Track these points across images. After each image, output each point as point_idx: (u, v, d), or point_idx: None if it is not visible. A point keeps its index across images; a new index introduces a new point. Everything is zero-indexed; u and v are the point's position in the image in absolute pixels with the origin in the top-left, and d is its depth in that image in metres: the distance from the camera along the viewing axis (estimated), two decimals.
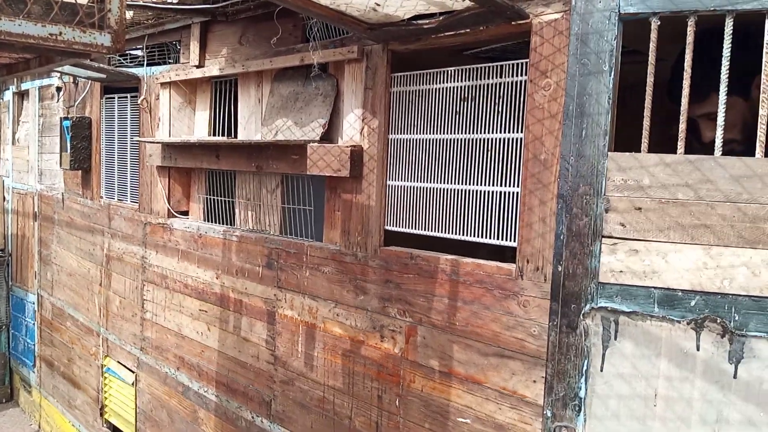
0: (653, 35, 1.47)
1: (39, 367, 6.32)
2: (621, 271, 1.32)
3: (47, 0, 1.34)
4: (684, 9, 1.41)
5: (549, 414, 1.46)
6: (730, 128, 1.53)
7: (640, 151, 1.63)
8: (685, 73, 1.44)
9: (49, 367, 6.10)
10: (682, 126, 1.36)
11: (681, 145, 1.35)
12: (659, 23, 1.42)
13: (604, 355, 1.34)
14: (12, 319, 6.93)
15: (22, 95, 6.45)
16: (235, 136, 3.61)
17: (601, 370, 1.34)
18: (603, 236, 1.35)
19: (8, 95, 6.65)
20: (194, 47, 3.74)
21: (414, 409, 2.65)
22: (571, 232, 1.37)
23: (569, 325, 1.38)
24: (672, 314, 1.25)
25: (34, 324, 6.37)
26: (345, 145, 2.83)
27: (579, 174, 1.39)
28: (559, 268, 1.37)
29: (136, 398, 4.61)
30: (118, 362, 4.84)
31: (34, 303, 6.35)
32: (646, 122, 1.39)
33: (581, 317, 1.35)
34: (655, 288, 1.29)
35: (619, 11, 1.48)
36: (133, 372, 4.64)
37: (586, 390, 1.37)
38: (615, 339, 1.33)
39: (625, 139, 1.91)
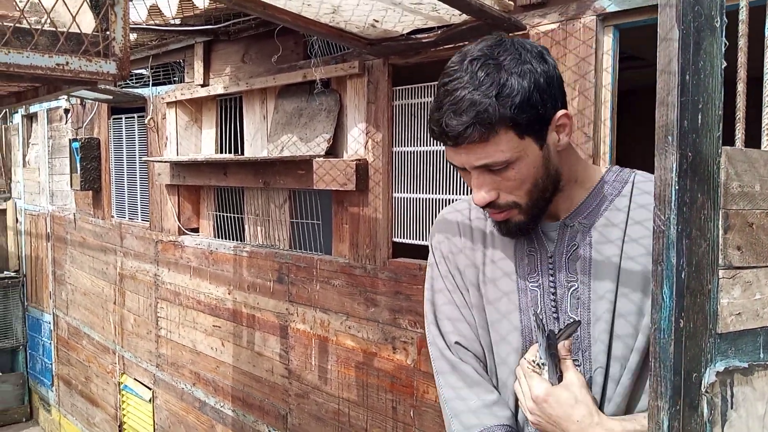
0: None
1: (57, 386, 6.38)
2: (739, 314, 0.97)
3: (53, 31, 1.37)
4: None
5: None
6: (512, 187, 1.15)
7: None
8: None
9: (67, 385, 6.16)
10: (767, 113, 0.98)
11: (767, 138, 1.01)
12: None
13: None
14: (29, 339, 7.00)
15: (30, 118, 6.53)
16: (242, 153, 3.65)
17: None
18: (721, 267, 0.97)
19: (17, 118, 6.73)
20: (198, 66, 3.79)
21: (429, 419, 2.66)
22: (691, 266, 0.93)
23: (691, 404, 0.93)
24: None
25: (50, 343, 6.44)
26: (350, 159, 2.86)
27: (696, 179, 0.95)
28: (681, 323, 0.91)
29: (153, 415, 4.65)
30: (135, 379, 4.89)
31: (49, 323, 6.41)
32: (741, 111, 1.01)
33: (702, 390, 0.94)
34: (761, 329, 0.99)
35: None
36: (150, 389, 4.68)
37: None
38: (732, 407, 0.97)
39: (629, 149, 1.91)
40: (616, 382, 1.16)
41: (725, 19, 0.96)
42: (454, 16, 2.17)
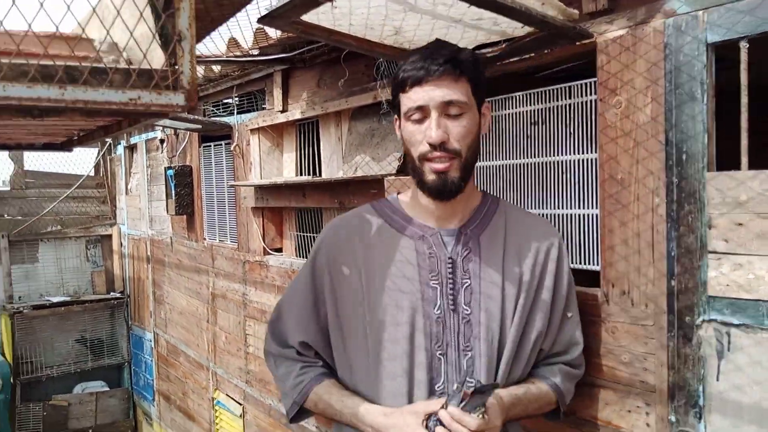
0: (743, 57, 1.53)
1: (158, 401, 6.72)
2: (727, 285, 1.37)
3: (126, 69, 1.46)
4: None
5: (673, 419, 1.56)
6: (460, 134, 1.49)
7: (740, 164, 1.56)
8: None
9: (167, 400, 6.48)
10: None
11: None
12: (748, 46, 1.49)
13: (719, 365, 1.39)
14: (133, 356, 7.44)
15: (131, 149, 7.00)
16: (320, 175, 3.74)
17: (717, 380, 1.41)
18: (709, 252, 1.40)
19: (120, 149, 7.24)
20: (277, 93, 3.93)
21: None
22: (680, 249, 1.45)
23: (685, 336, 1.44)
24: None
25: (151, 360, 6.80)
26: None
27: (683, 194, 1.45)
28: (673, 283, 1.45)
29: (244, 430, 4.80)
30: (227, 395, 5.07)
31: (150, 341, 6.79)
32: (744, 141, 1.43)
33: (695, 329, 1.41)
34: (762, 301, 1.32)
35: (706, 41, 1.62)
36: (240, 404, 4.84)
37: (704, 398, 1.44)
38: (728, 350, 1.38)
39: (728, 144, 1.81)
40: (504, 353, 1.53)
41: (707, 85, 1.54)
42: (516, 29, 2.13)
